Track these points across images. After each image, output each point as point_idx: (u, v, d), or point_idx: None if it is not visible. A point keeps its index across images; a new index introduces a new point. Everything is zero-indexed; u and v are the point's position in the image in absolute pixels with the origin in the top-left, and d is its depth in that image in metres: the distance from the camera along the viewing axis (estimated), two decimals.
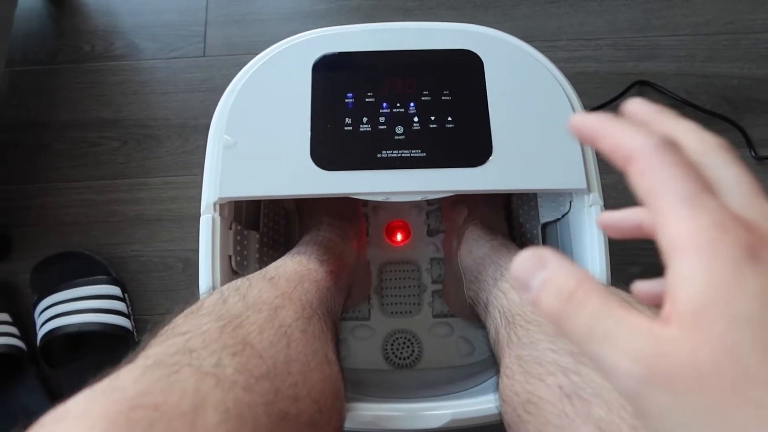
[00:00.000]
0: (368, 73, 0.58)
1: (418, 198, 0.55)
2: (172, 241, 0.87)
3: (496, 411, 0.50)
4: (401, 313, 0.76)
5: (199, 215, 0.55)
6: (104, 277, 0.82)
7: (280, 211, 0.77)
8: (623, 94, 0.91)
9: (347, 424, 0.49)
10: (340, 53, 0.59)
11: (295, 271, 0.52)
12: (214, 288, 0.53)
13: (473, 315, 0.65)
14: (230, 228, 0.59)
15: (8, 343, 0.77)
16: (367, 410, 0.52)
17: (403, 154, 0.55)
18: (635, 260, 0.85)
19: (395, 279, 0.78)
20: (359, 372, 0.69)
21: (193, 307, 0.41)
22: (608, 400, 0.34)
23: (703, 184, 0.20)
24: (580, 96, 0.58)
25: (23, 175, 0.91)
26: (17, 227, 0.89)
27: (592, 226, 0.55)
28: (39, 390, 0.78)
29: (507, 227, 0.73)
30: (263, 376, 0.35)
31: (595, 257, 0.55)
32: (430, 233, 0.80)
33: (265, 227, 0.71)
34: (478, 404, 0.52)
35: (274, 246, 0.73)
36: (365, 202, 0.80)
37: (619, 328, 0.19)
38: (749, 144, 0.89)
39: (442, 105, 0.57)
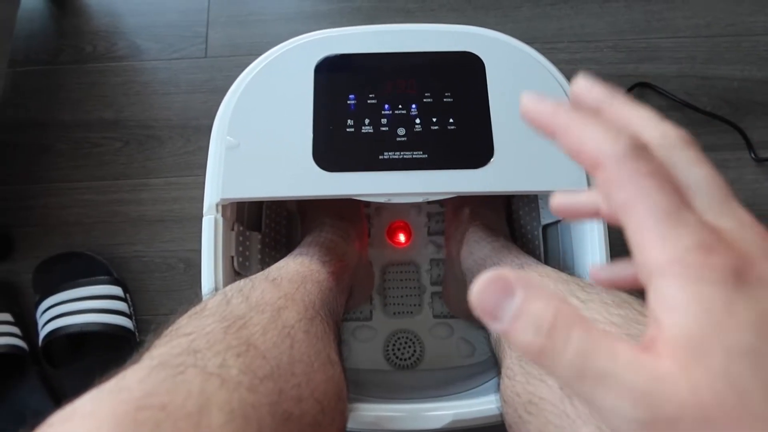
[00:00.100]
0: (370, 75, 0.59)
1: (419, 199, 0.55)
2: (174, 241, 0.88)
3: (497, 411, 0.51)
4: (403, 313, 0.76)
5: (201, 216, 0.56)
6: (106, 277, 0.82)
7: (282, 212, 0.77)
8: None
9: (349, 425, 0.49)
10: (343, 55, 0.59)
11: (298, 272, 0.52)
12: (216, 289, 0.53)
13: (474, 316, 0.65)
14: (232, 229, 0.59)
15: (10, 343, 0.78)
16: (369, 411, 0.52)
17: (404, 156, 0.55)
18: None
19: (397, 280, 0.78)
20: (361, 372, 0.69)
21: (197, 308, 0.41)
22: None
23: (679, 197, 0.19)
24: None
25: (25, 175, 0.92)
26: (19, 227, 0.89)
27: (593, 228, 0.56)
28: (41, 390, 0.78)
29: (508, 229, 0.73)
30: (267, 376, 0.35)
31: (596, 259, 0.55)
32: (431, 234, 0.80)
33: (267, 228, 0.72)
34: (480, 405, 0.53)
35: (276, 247, 0.73)
36: (367, 204, 0.80)
37: (613, 366, 0.17)
38: (749, 146, 0.89)
39: (443, 107, 0.57)
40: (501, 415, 0.48)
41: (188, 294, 0.85)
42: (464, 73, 0.58)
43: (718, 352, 0.17)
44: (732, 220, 0.20)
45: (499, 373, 0.49)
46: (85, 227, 0.89)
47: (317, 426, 0.37)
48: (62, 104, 0.96)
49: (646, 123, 0.22)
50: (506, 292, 0.19)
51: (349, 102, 0.57)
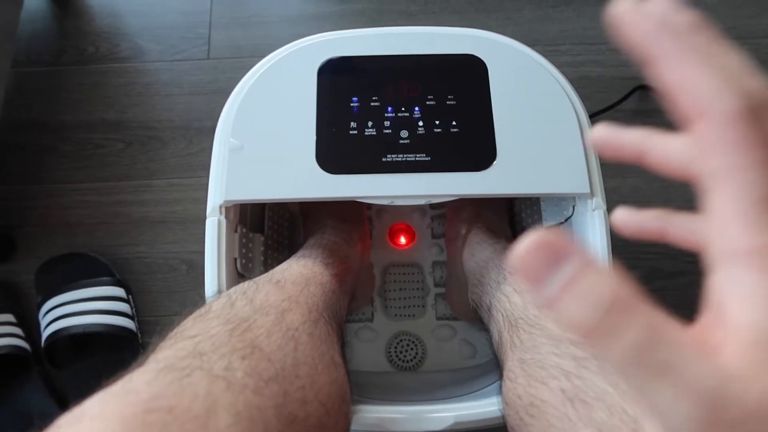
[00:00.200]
0: (373, 78, 0.59)
1: (422, 202, 0.56)
2: (177, 242, 0.88)
3: (499, 414, 0.51)
4: (405, 315, 0.77)
5: (204, 217, 0.56)
6: (108, 278, 0.82)
7: (285, 214, 0.77)
8: (625, 99, 0.92)
9: (352, 426, 0.50)
10: (345, 57, 0.60)
11: (301, 274, 0.52)
12: (220, 291, 0.54)
13: (476, 318, 0.66)
14: (236, 231, 0.60)
15: (13, 344, 0.78)
16: (371, 412, 0.52)
17: (407, 158, 0.55)
18: (638, 264, 0.85)
19: (399, 282, 0.78)
20: (363, 374, 0.70)
21: (202, 311, 0.42)
22: (610, 404, 0.35)
23: None
24: (583, 100, 0.59)
25: (27, 176, 0.92)
26: (21, 228, 0.89)
27: (596, 230, 0.56)
28: (43, 391, 0.78)
29: (510, 231, 0.73)
30: (272, 379, 0.35)
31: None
32: (434, 236, 0.81)
33: (269, 230, 0.72)
34: (481, 407, 0.53)
35: (279, 249, 0.73)
36: (369, 206, 0.80)
37: (677, 359, 0.15)
38: None
39: (446, 109, 0.57)
40: (503, 417, 0.48)
41: (191, 295, 0.85)
42: (467, 76, 0.59)
43: None
44: None
45: (500, 375, 0.49)
46: (87, 228, 0.89)
47: (322, 428, 0.37)
48: (64, 105, 0.96)
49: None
50: (556, 258, 0.16)
51: (352, 104, 0.57)
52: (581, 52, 0.97)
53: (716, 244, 0.17)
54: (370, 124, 0.57)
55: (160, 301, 0.85)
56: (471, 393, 0.60)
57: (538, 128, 0.56)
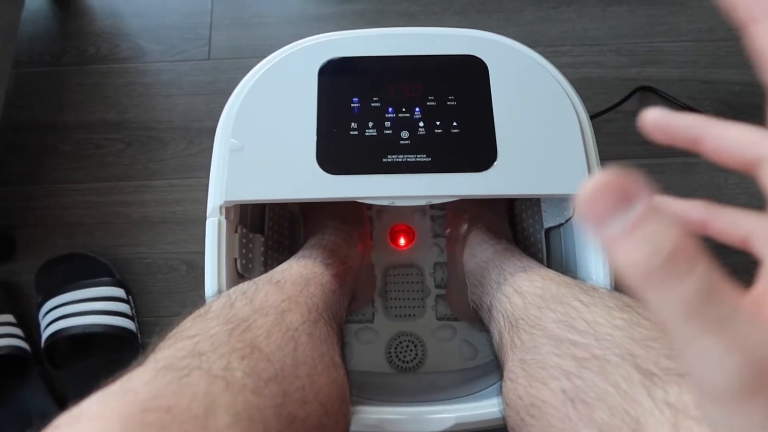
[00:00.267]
0: (374, 78, 0.59)
1: (422, 202, 0.55)
2: (177, 243, 0.88)
3: (499, 414, 0.51)
4: (405, 316, 0.77)
5: (204, 218, 0.56)
6: (108, 278, 0.82)
7: (285, 214, 0.77)
8: (626, 100, 0.92)
9: (351, 427, 0.50)
10: (346, 58, 0.60)
11: (301, 274, 0.52)
12: (220, 291, 0.53)
13: (477, 318, 0.65)
14: (236, 231, 0.60)
15: (13, 344, 0.78)
16: (371, 413, 0.52)
17: (408, 159, 0.55)
18: None
19: (399, 282, 0.78)
20: (363, 375, 0.70)
21: (201, 311, 0.42)
22: (611, 404, 0.34)
23: None
24: (584, 101, 0.59)
25: (28, 176, 0.92)
26: (22, 228, 0.89)
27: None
28: (43, 391, 0.78)
29: (511, 232, 0.73)
30: (271, 379, 0.35)
31: (599, 262, 0.55)
32: (434, 237, 0.80)
33: (270, 230, 0.72)
34: (482, 408, 0.53)
35: (279, 249, 0.73)
36: (370, 206, 0.80)
37: (733, 315, 0.15)
38: None
39: (447, 110, 0.57)
40: (503, 418, 0.48)
41: (191, 296, 0.85)
42: (467, 77, 0.59)
43: None
44: None
45: (501, 376, 0.49)
46: (87, 228, 0.89)
47: (321, 428, 0.37)
48: (65, 105, 0.96)
49: None
50: (624, 199, 0.16)
51: (352, 105, 0.57)
52: (582, 53, 0.97)
53: None
54: (370, 124, 0.57)
55: (160, 302, 0.85)
56: (471, 394, 0.60)
57: (539, 129, 0.56)
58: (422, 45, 0.60)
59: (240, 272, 0.60)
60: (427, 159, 0.55)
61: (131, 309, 0.82)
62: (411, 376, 0.73)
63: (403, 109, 0.57)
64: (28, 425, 0.73)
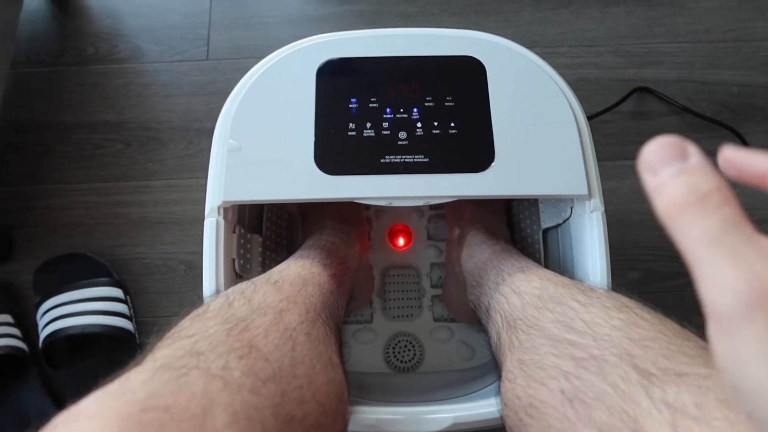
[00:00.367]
0: (372, 79, 0.59)
1: (420, 203, 0.56)
2: (175, 243, 0.88)
3: (497, 415, 0.51)
4: (403, 316, 0.77)
5: (202, 218, 0.56)
6: (106, 279, 0.82)
7: (283, 214, 0.77)
8: (624, 101, 0.92)
9: (349, 427, 0.50)
10: (344, 58, 0.60)
11: (299, 274, 0.52)
12: (218, 291, 0.54)
13: (474, 319, 0.65)
14: (234, 231, 0.60)
15: (10, 344, 0.78)
16: (369, 413, 0.52)
17: (406, 159, 0.55)
18: (635, 266, 0.85)
19: (397, 283, 0.78)
20: (361, 375, 0.70)
21: (199, 310, 0.42)
22: (609, 404, 0.35)
23: None
24: (581, 102, 0.59)
25: (26, 176, 0.92)
26: (20, 228, 0.89)
27: (593, 232, 0.56)
28: (41, 391, 0.78)
29: (508, 232, 0.73)
30: (269, 378, 0.35)
31: (596, 263, 0.55)
32: (432, 238, 0.81)
33: (268, 231, 0.72)
34: (480, 408, 0.53)
35: (277, 250, 0.73)
36: (368, 206, 0.80)
37: (746, 247, 0.18)
38: None
39: (445, 111, 0.57)
40: (501, 418, 0.48)
41: (189, 296, 0.85)
42: (466, 78, 0.59)
43: None
44: None
45: (499, 376, 0.49)
46: (86, 229, 0.89)
47: (319, 428, 0.37)
48: (64, 106, 0.96)
49: None
50: (680, 156, 0.20)
51: (350, 105, 0.57)
52: (579, 54, 0.97)
53: None
54: (368, 125, 0.57)
55: (158, 302, 0.85)
56: (469, 394, 0.60)
57: (537, 130, 0.56)
58: (420, 46, 0.60)
59: (238, 272, 0.60)
60: (425, 159, 0.55)
61: (129, 309, 0.82)
62: (409, 377, 0.73)
63: (401, 110, 0.57)
64: (26, 425, 0.73)
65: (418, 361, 0.74)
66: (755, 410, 0.18)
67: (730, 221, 0.18)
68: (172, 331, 0.39)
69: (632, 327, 0.38)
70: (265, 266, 0.67)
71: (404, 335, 0.76)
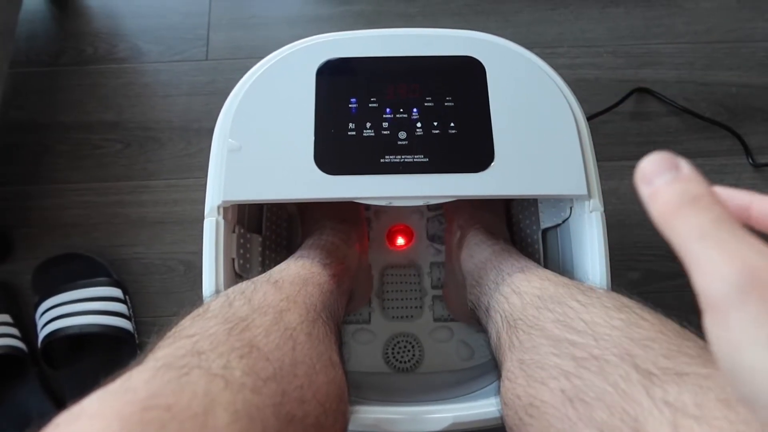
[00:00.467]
0: (372, 79, 0.59)
1: (420, 203, 0.56)
2: (174, 243, 0.88)
3: (497, 414, 0.51)
4: (402, 317, 0.77)
5: (201, 218, 0.56)
6: (106, 278, 0.82)
7: (283, 214, 0.77)
8: (623, 101, 0.92)
9: (349, 427, 0.50)
10: (344, 58, 0.60)
11: (299, 274, 0.52)
12: (217, 291, 0.53)
13: (474, 319, 0.66)
14: (233, 231, 0.60)
15: (9, 344, 0.78)
16: (369, 413, 0.52)
17: (405, 159, 0.55)
18: (635, 266, 0.86)
19: (396, 283, 0.78)
20: (360, 375, 0.70)
21: (200, 310, 0.42)
22: (610, 403, 0.35)
23: None
24: (580, 103, 0.59)
25: (25, 176, 0.92)
26: (19, 228, 0.89)
27: (593, 232, 0.56)
28: (40, 391, 0.78)
29: (508, 232, 0.73)
30: (270, 378, 0.35)
31: (596, 263, 0.55)
32: (431, 238, 0.81)
33: (267, 230, 0.72)
34: (479, 407, 0.53)
35: (277, 249, 0.73)
36: (367, 206, 0.80)
37: (735, 239, 0.19)
38: (747, 151, 0.90)
39: (444, 111, 0.57)
40: (501, 418, 0.48)
41: (188, 296, 0.85)
42: (465, 78, 0.59)
43: None
44: None
45: (499, 376, 0.49)
46: (85, 228, 0.89)
47: (320, 427, 0.37)
48: (63, 106, 0.96)
49: None
50: (673, 167, 0.22)
51: (350, 105, 0.57)
52: (579, 55, 0.97)
53: None
54: (368, 125, 0.57)
55: (158, 302, 0.85)
56: (469, 394, 0.60)
57: (536, 130, 0.56)
58: (420, 46, 0.60)
59: (238, 272, 0.60)
60: (425, 159, 0.55)
61: (128, 309, 0.82)
62: (408, 377, 0.73)
63: (401, 110, 0.57)
64: (25, 425, 0.72)
65: (417, 361, 0.74)
66: (753, 395, 0.19)
67: (719, 218, 0.20)
68: (173, 330, 0.39)
69: (633, 327, 0.38)
70: (265, 266, 0.67)
71: (404, 335, 0.76)
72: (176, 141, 0.93)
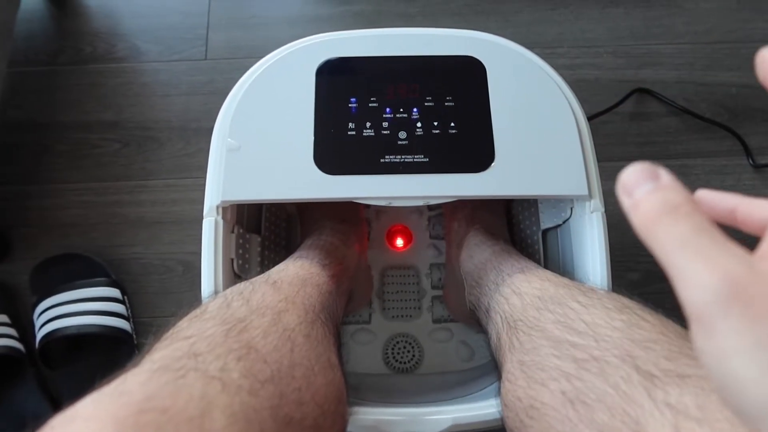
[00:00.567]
0: (372, 79, 0.59)
1: (420, 203, 0.55)
2: (173, 243, 0.87)
3: (497, 416, 0.51)
4: (402, 317, 0.76)
5: (200, 218, 0.56)
6: (104, 279, 0.82)
7: (282, 214, 0.77)
8: (623, 101, 0.92)
9: (348, 428, 0.49)
10: (344, 58, 0.59)
11: (298, 275, 0.52)
12: (216, 291, 0.53)
13: (474, 320, 0.65)
14: (232, 231, 0.59)
15: (7, 344, 0.77)
16: (368, 414, 0.52)
17: (405, 159, 0.55)
18: (635, 267, 0.85)
19: (396, 283, 0.78)
20: (360, 376, 0.69)
21: (197, 311, 0.41)
22: (611, 405, 0.34)
23: None
24: (581, 103, 0.59)
25: (24, 176, 0.91)
26: (17, 228, 0.88)
27: (593, 233, 0.56)
28: (37, 392, 0.78)
29: (508, 233, 0.73)
30: (268, 380, 0.35)
31: (596, 263, 0.55)
32: (431, 238, 0.80)
33: (266, 231, 0.72)
34: (479, 408, 0.53)
35: (276, 249, 0.73)
36: (367, 206, 0.80)
37: (716, 247, 0.19)
38: (747, 152, 0.90)
39: (445, 111, 0.57)
40: (501, 419, 0.48)
41: (187, 296, 0.85)
42: (466, 78, 0.59)
43: None
44: None
45: (499, 377, 0.49)
46: (83, 228, 0.88)
47: (318, 429, 0.37)
48: (61, 105, 0.96)
49: None
50: (653, 177, 0.22)
51: (350, 105, 0.57)
52: (579, 55, 0.97)
53: None
54: (368, 124, 0.56)
55: (156, 302, 0.85)
56: (468, 395, 0.60)
57: (537, 130, 0.56)
58: (420, 46, 0.60)
59: (236, 273, 0.59)
60: (425, 159, 0.55)
61: (127, 309, 0.81)
62: (408, 377, 0.73)
63: (401, 110, 0.57)
64: (23, 426, 0.72)
65: (417, 362, 0.74)
66: (742, 405, 0.18)
67: (700, 227, 0.20)
68: (170, 331, 0.38)
69: (633, 328, 0.38)
70: (264, 266, 0.67)
71: (403, 336, 0.75)
72: (175, 141, 0.93)
